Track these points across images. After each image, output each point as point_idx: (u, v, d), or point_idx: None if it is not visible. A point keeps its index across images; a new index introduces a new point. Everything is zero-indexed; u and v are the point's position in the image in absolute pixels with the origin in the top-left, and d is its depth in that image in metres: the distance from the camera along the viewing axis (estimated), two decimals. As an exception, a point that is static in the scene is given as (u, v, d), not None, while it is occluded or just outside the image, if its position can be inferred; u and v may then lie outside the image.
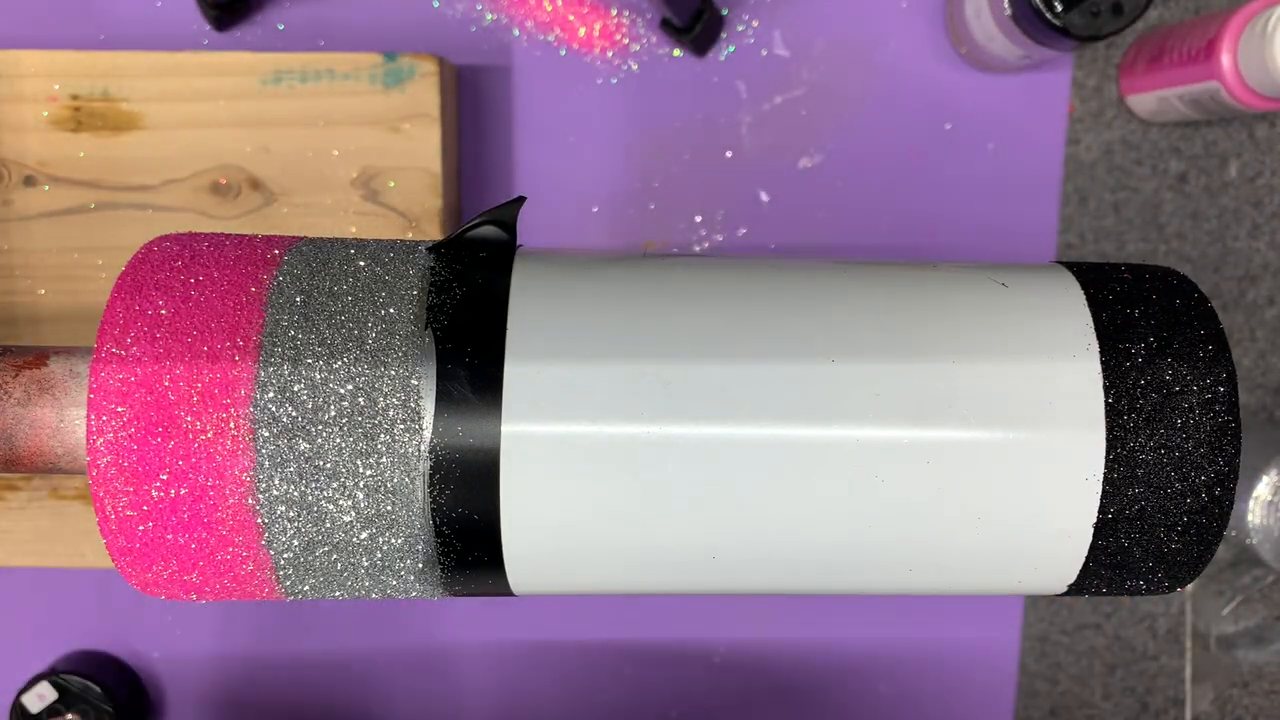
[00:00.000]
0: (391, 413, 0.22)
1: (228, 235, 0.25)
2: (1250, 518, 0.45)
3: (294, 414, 0.22)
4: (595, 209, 0.47)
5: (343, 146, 0.42)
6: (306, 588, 0.24)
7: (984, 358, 0.23)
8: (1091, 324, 0.24)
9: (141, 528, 0.22)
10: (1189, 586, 0.48)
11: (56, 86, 0.42)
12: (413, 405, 0.22)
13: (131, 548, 0.22)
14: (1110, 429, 0.23)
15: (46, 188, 0.42)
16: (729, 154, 0.47)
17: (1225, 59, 0.42)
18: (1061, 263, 0.26)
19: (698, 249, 0.47)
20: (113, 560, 0.23)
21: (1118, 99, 0.48)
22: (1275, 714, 0.50)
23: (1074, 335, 0.24)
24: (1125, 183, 0.48)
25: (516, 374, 0.22)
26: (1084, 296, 0.24)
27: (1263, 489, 0.45)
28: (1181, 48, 0.44)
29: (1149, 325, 0.24)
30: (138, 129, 0.42)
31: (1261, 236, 0.49)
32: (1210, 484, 0.23)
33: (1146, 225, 0.48)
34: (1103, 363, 0.23)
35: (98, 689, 0.46)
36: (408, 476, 0.22)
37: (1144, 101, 0.47)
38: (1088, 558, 0.24)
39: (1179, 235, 0.48)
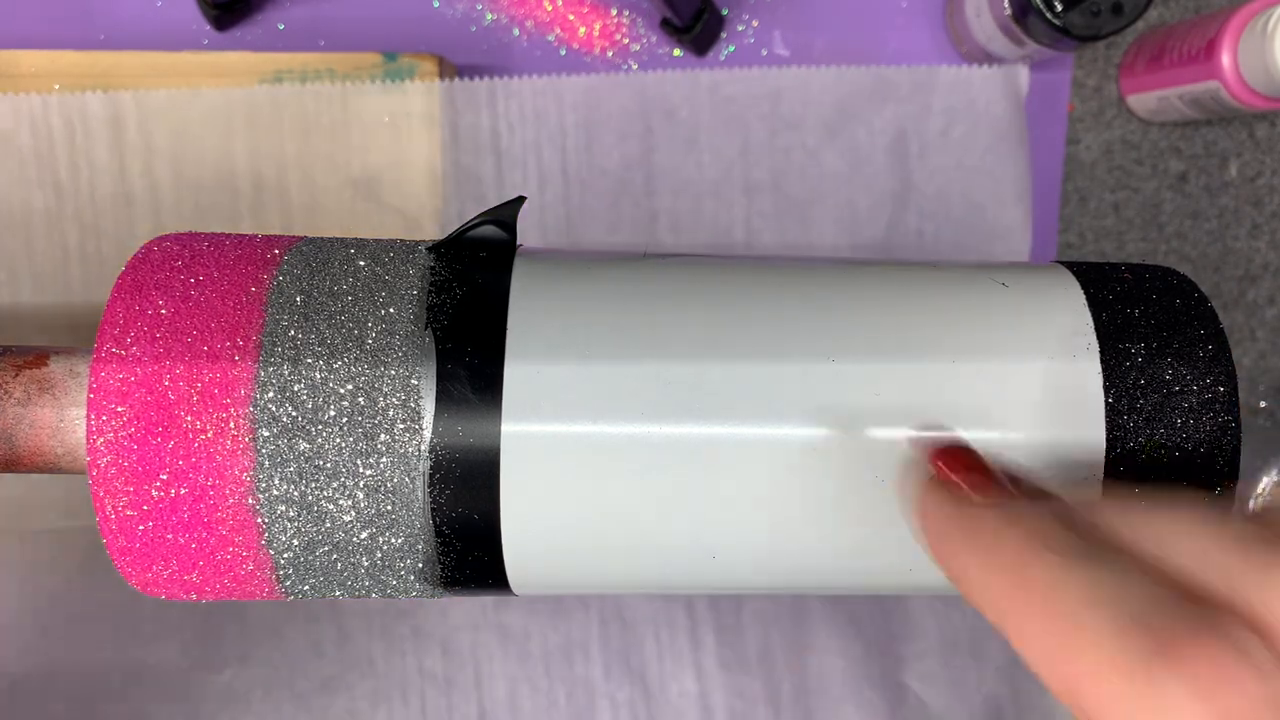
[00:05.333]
0: (391, 413, 0.22)
1: (227, 235, 0.25)
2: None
3: (294, 414, 0.22)
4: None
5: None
6: (307, 587, 0.24)
7: (984, 358, 0.23)
8: (1091, 324, 0.24)
9: (141, 527, 0.22)
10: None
11: (57, 86, 0.42)
12: (413, 405, 0.22)
13: (132, 547, 0.22)
14: (1110, 429, 0.23)
15: (47, 188, 0.42)
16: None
17: (1225, 58, 0.42)
18: (1061, 262, 0.26)
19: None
20: (113, 559, 0.23)
21: (1118, 98, 0.48)
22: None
23: (1074, 335, 0.24)
24: (1125, 182, 0.48)
25: (516, 374, 0.22)
26: (1084, 296, 0.24)
27: (1263, 488, 0.45)
28: (1182, 47, 0.44)
29: (1149, 325, 0.24)
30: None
31: (1261, 236, 0.49)
32: (1210, 485, 0.23)
33: (1146, 225, 0.48)
34: (1103, 363, 0.23)
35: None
36: (408, 476, 0.22)
37: (1144, 101, 0.47)
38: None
39: (1179, 235, 0.48)
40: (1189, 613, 0.16)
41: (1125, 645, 0.16)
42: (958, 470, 0.21)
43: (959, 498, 0.20)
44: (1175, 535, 0.18)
